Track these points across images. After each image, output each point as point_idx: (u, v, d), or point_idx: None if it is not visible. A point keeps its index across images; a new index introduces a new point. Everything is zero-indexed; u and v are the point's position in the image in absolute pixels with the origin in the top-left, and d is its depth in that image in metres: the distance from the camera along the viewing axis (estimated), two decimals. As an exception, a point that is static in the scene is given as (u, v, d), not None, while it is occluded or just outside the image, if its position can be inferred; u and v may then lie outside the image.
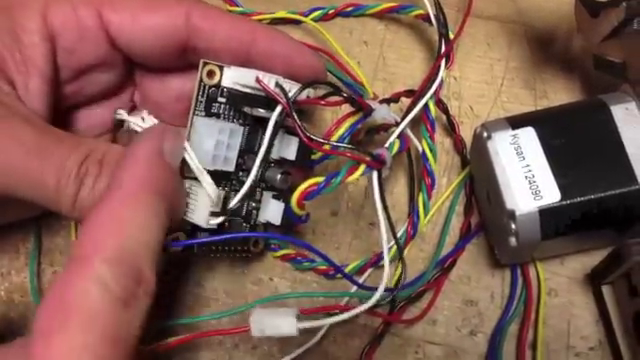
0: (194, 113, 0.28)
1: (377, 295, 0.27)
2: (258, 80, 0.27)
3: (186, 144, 0.27)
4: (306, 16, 0.38)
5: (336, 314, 0.27)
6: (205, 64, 0.28)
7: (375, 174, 0.27)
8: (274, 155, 0.30)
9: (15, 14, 0.27)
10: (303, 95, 0.28)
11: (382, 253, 0.32)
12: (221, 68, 0.28)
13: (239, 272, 0.34)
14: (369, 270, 0.33)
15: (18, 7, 0.27)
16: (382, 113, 0.29)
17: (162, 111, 0.32)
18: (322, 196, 0.34)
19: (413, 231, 0.33)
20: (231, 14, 0.36)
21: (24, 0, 0.27)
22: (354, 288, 0.32)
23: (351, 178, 0.26)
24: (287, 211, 0.30)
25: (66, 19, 0.27)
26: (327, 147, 0.27)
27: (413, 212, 0.33)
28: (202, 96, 0.28)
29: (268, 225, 0.31)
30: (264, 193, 0.31)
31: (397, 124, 0.30)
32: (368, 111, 0.29)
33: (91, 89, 0.30)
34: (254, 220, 0.31)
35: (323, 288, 0.33)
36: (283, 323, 0.26)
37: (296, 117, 0.27)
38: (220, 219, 0.28)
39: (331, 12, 0.38)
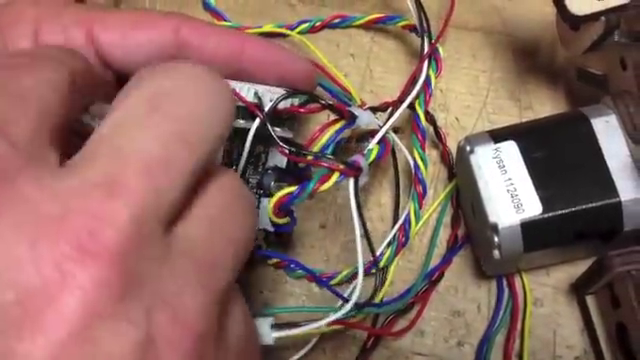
0: None
1: (348, 307, 0.27)
2: (233, 92, 0.28)
3: None
4: (293, 29, 0.38)
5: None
6: None
7: (351, 181, 0.27)
8: (270, 163, 0.31)
9: (6, 32, 0.27)
10: (283, 105, 0.29)
11: (371, 262, 0.33)
12: None
13: (229, 286, 0.34)
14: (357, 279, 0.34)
15: (9, 25, 0.28)
16: (365, 119, 0.30)
17: None
18: (311, 209, 0.35)
19: (405, 239, 0.34)
20: (220, 26, 0.36)
21: (16, 19, 0.28)
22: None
23: (324, 187, 0.27)
24: (275, 227, 0.30)
25: (57, 39, 0.28)
26: (303, 157, 0.28)
27: (405, 220, 0.34)
28: None
29: (267, 231, 0.32)
30: (262, 200, 0.31)
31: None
32: (351, 118, 0.29)
33: (81, 108, 0.30)
34: None
35: (312, 301, 0.34)
36: (259, 333, 0.26)
37: (271, 128, 0.27)
38: None
39: (318, 24, 0.38)
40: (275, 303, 0.34)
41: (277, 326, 0.27)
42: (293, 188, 0.27)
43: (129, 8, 0.40)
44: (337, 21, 0.39)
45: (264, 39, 0.31)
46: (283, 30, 0.38)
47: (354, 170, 0.27)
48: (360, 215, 0.27)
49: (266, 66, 0.30)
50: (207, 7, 0.39)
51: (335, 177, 0.27)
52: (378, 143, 0.29)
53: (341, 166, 0.26)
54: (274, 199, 0.27)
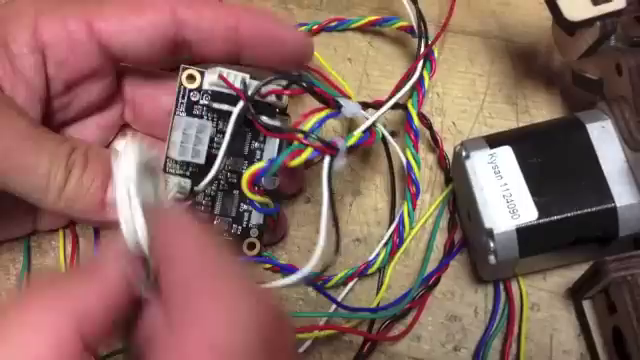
0: (175, 114, 0.30)
1: (295, 276, 0.25)
2: (221, 76, 0.28)
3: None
4: (290, 34, 0.38)
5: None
6: (184, 69, 0.30)
7: (327, 160, 0.27)
8: (264, 158, 0.31)
9: (7, 25, 0.28)
10: (268, 88, 0.29)
11: (367, 264, 0.33)
12: (201, 73, 0.30)
13: (226, 290, 0.34)
14: (353, 281, 0.34)
15: (10, 19, 0.28)
16: (351, 109, 0.29)
17: (154, 127, 0.33)
18: (308, 214, 0.35)
19: (399, 240, 0.34)
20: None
21: (16, 12, 0.28)
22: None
23: (295, 161, 0.27)
24: (253, 204, 0.30)
25: (56, 32, 0.28)
26: (291, 134, 0.28)
27: (399, 222, 0.34)
28: (182, 98, 0.30)
29: (261, 228, 0.32)
30: None
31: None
32: (336, 107, 0.29)
33: (80, 102, 0.31)
34: (246, 222, 0.32)
35: (308, 305, 0.34)
36: None
37: (251, 108, 0.28)
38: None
39: (315, 28, 0.39)
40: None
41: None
42: (263, 163, 0.27)
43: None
44: (334, 24, 0.39)
45: (259, 12, 0.32)
46: (280, 34, 0.38)
47: (330, 149, 0.27)
48: (330, 194, 0.27)
49: (262, 37, 0.30)
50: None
51: (307, 153, 0.27)
52: (363, 132, 0.30)
53: (318, 143, 0.27)
54: (246, 175, 0.28)
